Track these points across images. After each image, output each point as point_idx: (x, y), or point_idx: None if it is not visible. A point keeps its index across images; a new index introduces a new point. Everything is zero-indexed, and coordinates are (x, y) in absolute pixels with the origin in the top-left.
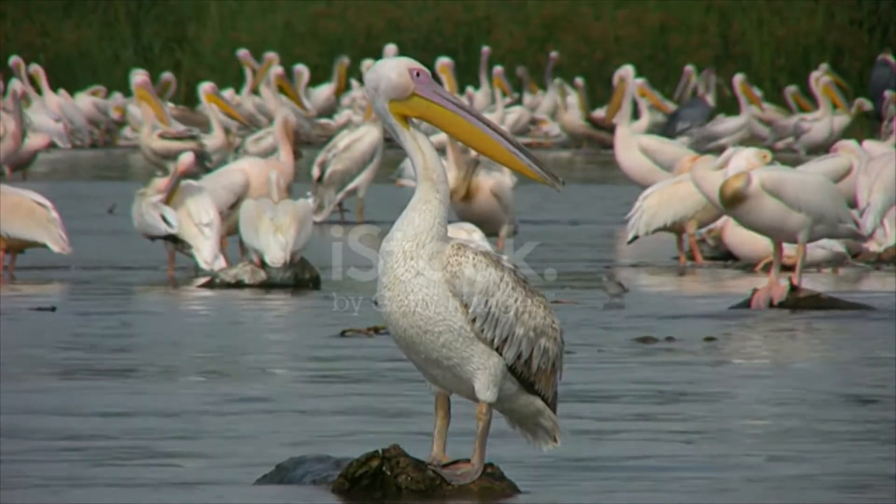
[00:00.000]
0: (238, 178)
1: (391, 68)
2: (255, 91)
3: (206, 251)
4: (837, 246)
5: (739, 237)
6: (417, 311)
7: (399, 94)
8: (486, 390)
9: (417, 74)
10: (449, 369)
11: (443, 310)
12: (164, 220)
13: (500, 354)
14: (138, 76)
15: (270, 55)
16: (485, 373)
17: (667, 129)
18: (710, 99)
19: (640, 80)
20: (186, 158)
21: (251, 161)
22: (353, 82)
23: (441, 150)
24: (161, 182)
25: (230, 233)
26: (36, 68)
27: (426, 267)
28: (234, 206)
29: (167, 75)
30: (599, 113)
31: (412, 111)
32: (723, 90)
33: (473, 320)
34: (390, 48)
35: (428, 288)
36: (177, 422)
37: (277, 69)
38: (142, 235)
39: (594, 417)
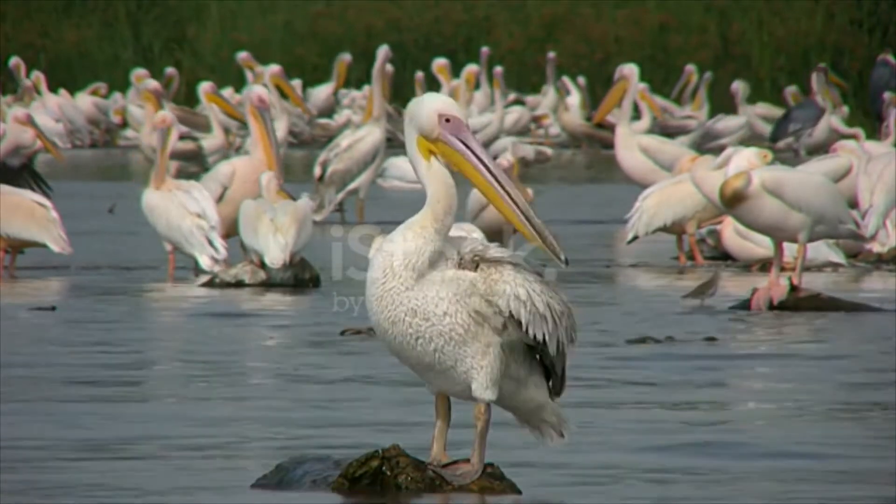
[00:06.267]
0: (225, 170)
1: (424, 108)
2: None
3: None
4: (833, 256)
5: (737, 241)
6: (406, 320)
7: (426, 133)
8: (484, 389)
9: (447, 121)
10: (442, 373)
11: (431, 315)
12: (212, 245)
13: (543, 351)
14: (151, 84)
15: (259, 69)
16: (481, 372)
17: (777, 131)
18: (820, 100)
19: (642, 85)
20: (164, 114)
21: (241, 158)
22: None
23: None
24: (158, 176)
25: (230, 233)
26: (37, 74)
27: (413, 283)
28: (220, 198)
29: (170, 70)
30: None
31: (436, 150)
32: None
33: (526, 331)
34: (383, 49)
35: (417, 300)
36: (176, 421)
37: (275, 68)
38: (163, 238)
39: (593, 417)
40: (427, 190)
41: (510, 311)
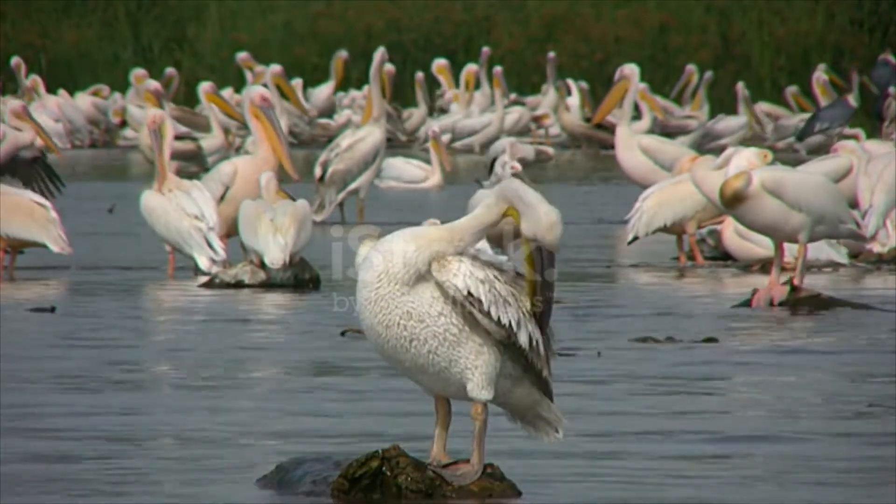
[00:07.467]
0: (227, 169)
1: (547, 230)
2: None
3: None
4: (835, 255)
5: (737, 241)
6: (401, 324)
7: (527, 235)
8: (480, 389)
9: (539, 251)
10: (436, 374)
11: (426, 317)
12: (211, 246)
13: (514, 340)
14: (151, 84)
15: (259, 69)
16: (476, 372)
17: (805, 129)
18: (853, 99)
19: (642, 85)
20: (155, 112)
21: (243, 158)
22: (355, 78)
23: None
24: (159, 179)
25: (230, 234)
26: (35, 78)
27: (409, 288)
28: (222, 197)
29: (170, 70)
30: None
31: (522, 237)
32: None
33: (488, 312)
34: (380, 51)
35: (413, 303)
36: (176, 421)
37: (276, 67)
38: (163, 241)
39: (594, 418)
40: (467, 217)
41: (468, 290)
